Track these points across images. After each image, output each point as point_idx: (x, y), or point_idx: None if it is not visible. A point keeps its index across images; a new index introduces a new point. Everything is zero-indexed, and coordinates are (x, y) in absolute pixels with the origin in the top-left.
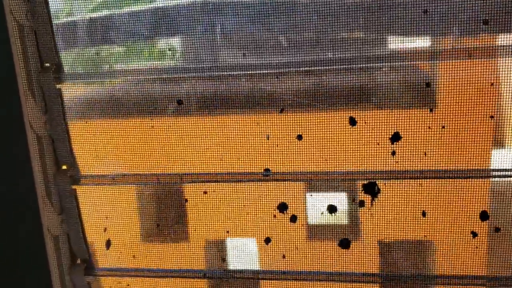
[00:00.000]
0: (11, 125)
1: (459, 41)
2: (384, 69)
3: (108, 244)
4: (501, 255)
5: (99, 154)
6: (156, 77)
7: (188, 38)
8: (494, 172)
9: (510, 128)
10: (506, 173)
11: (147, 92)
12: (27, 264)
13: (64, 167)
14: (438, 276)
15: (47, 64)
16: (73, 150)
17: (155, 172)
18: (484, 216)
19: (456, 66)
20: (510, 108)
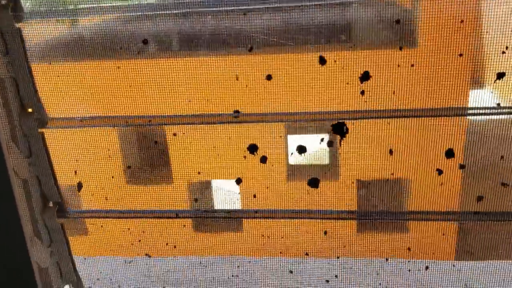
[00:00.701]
0: None
1: None
2: (354, 5)
3: (80, 186)
4: (469, 191)
5: (66, 96)
6: (120, 15)
7: None
8: (464, 111)
9: (479, 67)
10: (471, 111)
11: (112, 31)
12: None
13: (30, 110)
14: (409, 212)
15: (4, 2)
16: (38, 92)
17: (123, 115)
18: (449, 154)
19: (427, 3)
20: (480, 47)
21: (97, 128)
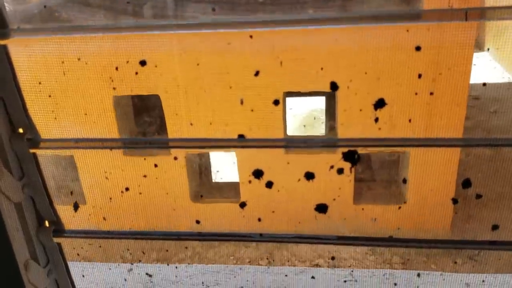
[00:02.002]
0: None
1: None
2: None
3: (76, 206)
4: None
5: (58, 117)
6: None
7: None
8: None
9: None
10: None
11: None
12: None
13: (20, 130)
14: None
15: None
16: (28, 112)
17: (121, 138)
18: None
19: None
20: None
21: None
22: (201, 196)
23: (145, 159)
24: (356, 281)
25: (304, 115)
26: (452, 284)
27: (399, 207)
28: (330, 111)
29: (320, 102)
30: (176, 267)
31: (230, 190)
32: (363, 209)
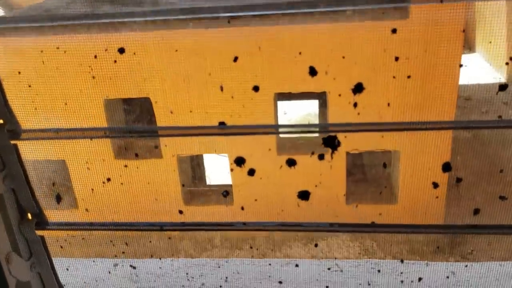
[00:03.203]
0: None
1: None
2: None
3: (58, 198)
4: None
5: (39, 108)
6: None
7: None
8: None
9: None
10: None
11: None
12: None
13: (1, 121)
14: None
15: None
16: (8, 103)
17: (102, 126)
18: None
19: None
20: None
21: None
22: (183, 185)
23: (125, 148)
24: (341, 271)
25: (298, 119)
26: (436, 272)
27: (380, 192)
28: (324, 115)
29: (314, 106)
30: (160, 259)
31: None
32: (344, 195)
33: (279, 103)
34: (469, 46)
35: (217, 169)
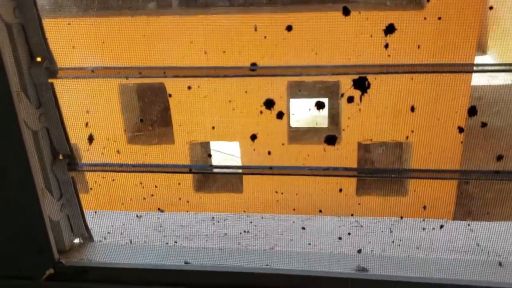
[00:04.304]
0: None
1: None
2: None
3: (91, 139)
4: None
5: (77, 46)
6: None
7: None
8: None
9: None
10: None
11: None
12: (7, 161)
13: (39, 59)
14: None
15: None
16: (48, 41)
17: (137, 66)
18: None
19: None
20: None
21: (110, 79)
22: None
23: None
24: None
25: (306, 120)
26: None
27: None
28: (332, 116)
29: (312, 109)
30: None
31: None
32: (371, 139)
33: None
34: (481, 48)
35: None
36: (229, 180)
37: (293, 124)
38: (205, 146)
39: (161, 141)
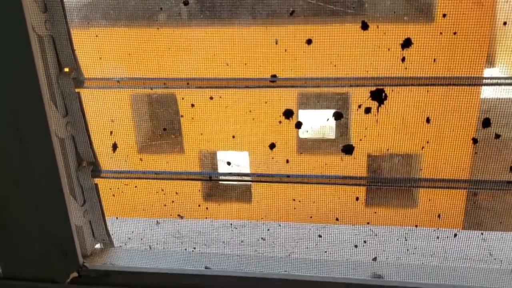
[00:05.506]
0: (12, 25)
1: None
2: None
3: (115, 147)
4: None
5: (104, 57)
6: None
7: None
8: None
9: None
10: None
11: None
12: (37, 167)
13: (67, 69)
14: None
15: None
16: (76, 52)
17: (162, 77)
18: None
19: None
20: None
21: (135, 90)
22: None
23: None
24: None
25: (314, 131)
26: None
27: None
28: (340, 128)
29: (330, 119)
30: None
31: None
32: (388, 149)
33: None
34: (490, 61)
35: None
36: (242, 188)
37: (302, 135)
38: (213, 157)
39: (182, 150)
